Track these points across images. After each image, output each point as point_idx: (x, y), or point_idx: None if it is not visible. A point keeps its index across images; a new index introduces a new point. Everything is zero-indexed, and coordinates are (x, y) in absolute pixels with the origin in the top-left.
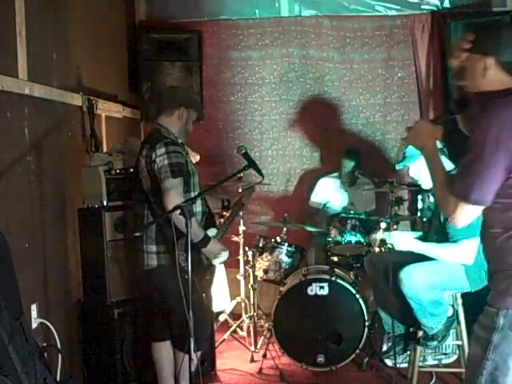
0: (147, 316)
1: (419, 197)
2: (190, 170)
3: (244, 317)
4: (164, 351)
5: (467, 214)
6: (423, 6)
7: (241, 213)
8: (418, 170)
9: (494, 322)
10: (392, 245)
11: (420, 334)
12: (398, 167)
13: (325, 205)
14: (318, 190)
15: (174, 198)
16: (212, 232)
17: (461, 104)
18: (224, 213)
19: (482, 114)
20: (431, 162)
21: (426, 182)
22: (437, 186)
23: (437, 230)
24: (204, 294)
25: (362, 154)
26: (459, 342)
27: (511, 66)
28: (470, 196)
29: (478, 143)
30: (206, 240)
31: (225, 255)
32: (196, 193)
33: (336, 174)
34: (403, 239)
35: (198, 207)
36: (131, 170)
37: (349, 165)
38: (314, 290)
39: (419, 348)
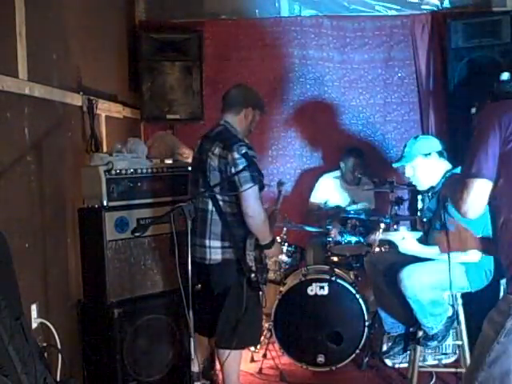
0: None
1: (419, 197)
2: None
3: None
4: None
5: (475, 194)
6: (423, 6)
7: None
8: (414, 171)
9: (511, 308)
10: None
11: (420, 333)
12: (394, 165)
13: (325, 203)
14: (319, 188)
15: (254, 203)
16: None
17: None
18: None
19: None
20: None
21: (421, 183)
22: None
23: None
24: (260, 292)
25: (363, 154)
26: (459, 342)
27: None
28: (472, 170)
29: (476, 129)
30: (272, 242)
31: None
32: None
33: (337, 174)
34: (412, 245)
35: None
36: (131, 170)
37: (352, 163)
38: (313, 290)
39: (419, 348)
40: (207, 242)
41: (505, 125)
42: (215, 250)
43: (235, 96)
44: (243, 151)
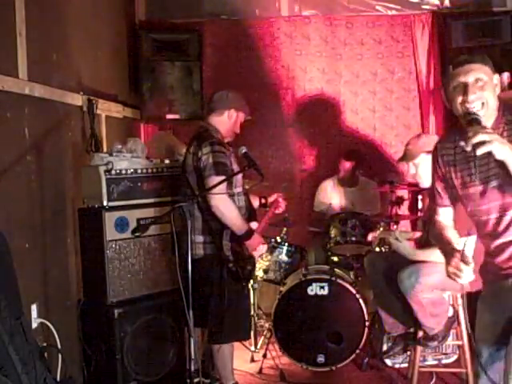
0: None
1: (419, 197)
2: (234, 170)
3: None
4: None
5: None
6: (424, 6)
7: None
8: (417, 168)
9: None
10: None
11: (420, 334)
12: (399, 161)
13: (329, 207)
14: (319, 194)
15: (216, 195)
16: (253, 225)
17: None
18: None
19: None
20: None
21: (424, 181)
22: None
23: None
24: (244, 283)
25: (361, 155)
26: (459, 342)
27: None
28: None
29: None
30: (250, 233)
31: (263, 248)
32: (238, 190)
33: (336, 177)
34: (403, 249)
35: (240, 202)
36: (131, 170)
37: (347, 166)
38: (314, 290)
39: (419, 348)
40: (191, 237)
41: None
42: (198, 245)
43: (218, 99)
44: (210, 146)
